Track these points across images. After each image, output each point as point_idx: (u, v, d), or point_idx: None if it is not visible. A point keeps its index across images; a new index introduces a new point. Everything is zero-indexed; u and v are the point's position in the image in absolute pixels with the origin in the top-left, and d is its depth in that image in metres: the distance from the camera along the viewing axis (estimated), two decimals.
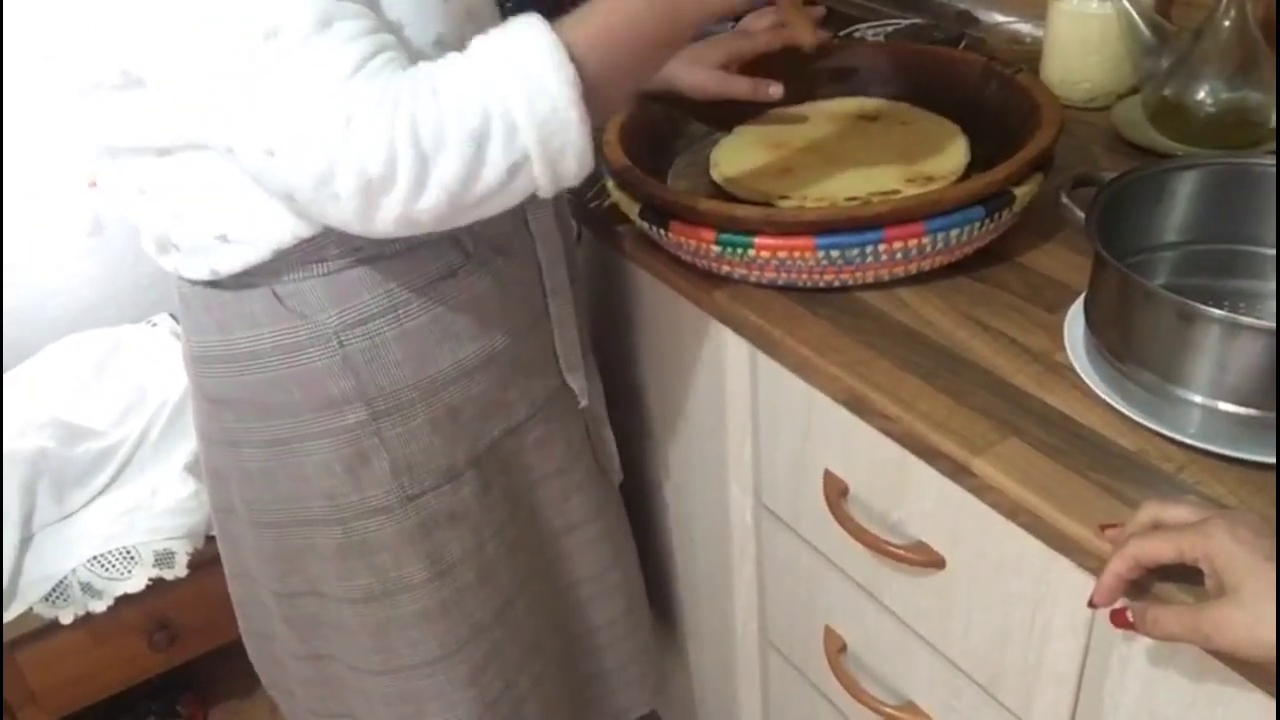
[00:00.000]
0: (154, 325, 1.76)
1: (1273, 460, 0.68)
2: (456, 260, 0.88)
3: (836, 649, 1.04)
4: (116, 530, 1.47)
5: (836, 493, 0.93)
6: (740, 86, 1.06)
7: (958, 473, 0.75)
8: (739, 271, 0.92)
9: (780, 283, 0.92)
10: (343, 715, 1.07)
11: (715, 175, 1.04)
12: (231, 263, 0.82)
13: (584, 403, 1.05)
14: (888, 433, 0.81)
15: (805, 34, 1.00)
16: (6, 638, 1.42)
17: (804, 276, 0.90)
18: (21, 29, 0.78)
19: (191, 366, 0.92)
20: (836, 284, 0.91)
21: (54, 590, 1.43)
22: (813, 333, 0.88)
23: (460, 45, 0.77)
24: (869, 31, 1.39)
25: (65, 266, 1.77)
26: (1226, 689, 0.65)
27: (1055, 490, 0.70)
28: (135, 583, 1.45)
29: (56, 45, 0.76)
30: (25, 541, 1.46)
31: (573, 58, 0.71)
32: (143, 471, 1.55)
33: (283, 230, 0.80)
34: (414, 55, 0.74)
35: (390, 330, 0.86)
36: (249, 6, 0.66)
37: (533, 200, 0.79)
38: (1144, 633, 0.62)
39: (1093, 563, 0.67)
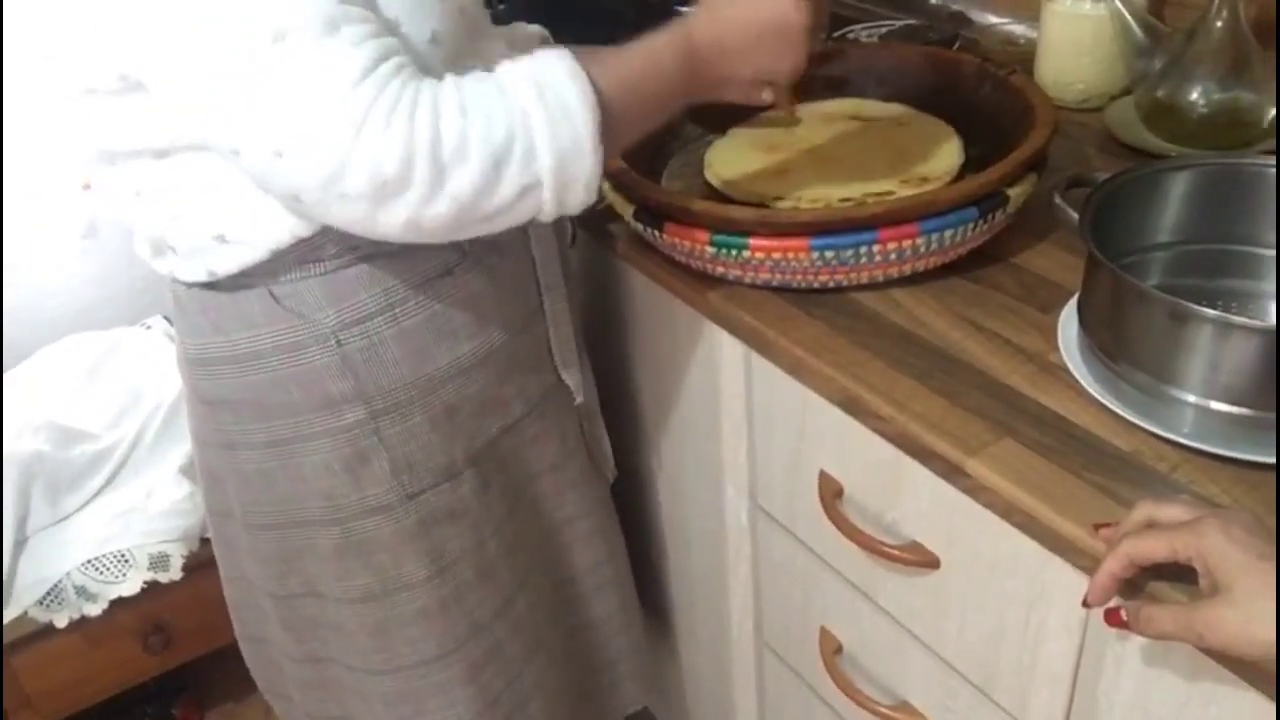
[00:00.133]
0: (149, 328, 1.76)
1: (1265, 459, 0.68)
2: (453, 259, 0.88)
3: (832, 650, 1.04)
4: (111, 533, 1.47)
5: (831, 493, 0.93)
6: None
7: (952, 473, 0.76)
8: (733, 272, 0.92)
9: (775, 284, 0.92)
10: (341, 717, 1.07)
11: (710, 176, 1.04)
12: (229, 263, 0.83)
13: (579, 399, 1.05)
14: (882, 433, 0.81)
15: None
16: (2, 642, 1.41)
17: (798, 277, 0.90)
18: (20, 29, 0.78)
19: (187, 369, 0.92)
20: (831, 285, 0.91)
21: (49, 594, 1.42)
22: (807, 334, 0.88)
23: (453, 43, 0.79)
24: (863, 33, 1.39)
25: (60, 269, 1.77)
26: (1220, 687, 0.65)
27: (1049, 490, 0.70)
28: (130, 586, 1.45)
29: (54, 47, 0.76)
30: (20, 545, 1.46)
31: (598, 96, 0.74)
32: (137, 474, 1.54)
33: (281, 230, 0.80)
34: (411, 53, 0.74)
35: (388, 329, 0.86)
36: (257, 9, 0.67)
37: None
38: (1138, 632, 0.62)
39: (1087, 562, 0.67)
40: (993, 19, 1.40)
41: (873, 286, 0.92)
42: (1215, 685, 0.65)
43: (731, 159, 1.05)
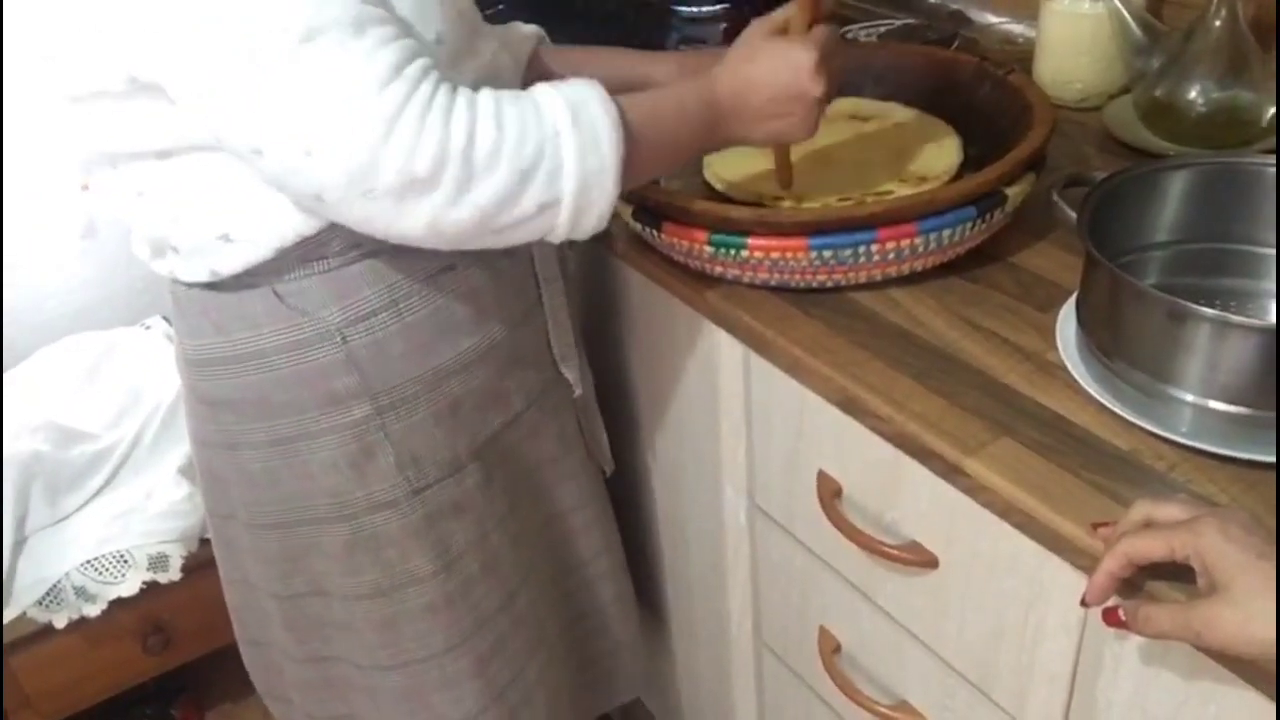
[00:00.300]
0: (148, 328, 1.76)
1: (1264, 458, 0.68)
2: (455, 254, 0.88)
3: (831, 649, 1.04)
4: (110, 534, 1.47)
5: (830, 493, 0.93)
6: None
7: (951, 473, 0.75)
8: (732, 272, 0.92)
9: (773, 283, 0.92)
10: (344, 717, 1.07)
11: (708, 176, 1.04)
12: (233, 263, 0.83)
13: (579, 391, 1.06)
14: (881, 433, 0.81)
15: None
16: (1, 642, 1.41)
17: (797, 277, 0.90)
18: (19, 29, 0.78)
19: (187, 370, 0.92)
20: (829, 284, 0.91)
21: (48, 594, 1.42)
22: (805, 333, 0.88)
23: (454, 44, 0.79)
24: (862, 32, 1.39)
25: (59, 270, 1.77)
26: (1219, 686, 0.65)
27: (1048, 489, 0.70)
28: (129, 586, 1.45)
29: (55, 49, 0.76)
30: (19, 545, 1.46)
31: (626, 129, 0.77)
32: (137, 474, 1.54)
33: (285, 229, 0.81)
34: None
35: (392, 325, 0.87)
36: (286, 10, 0.68)
37: None
38: (1136, 631, 0.62)
39: (1085, 561, 0.67)
40: (991, 18, 1.40)
41: (871, 286, 0.92)
42: (1214, 684, 0.65)
43: (730, 158, 1.05)
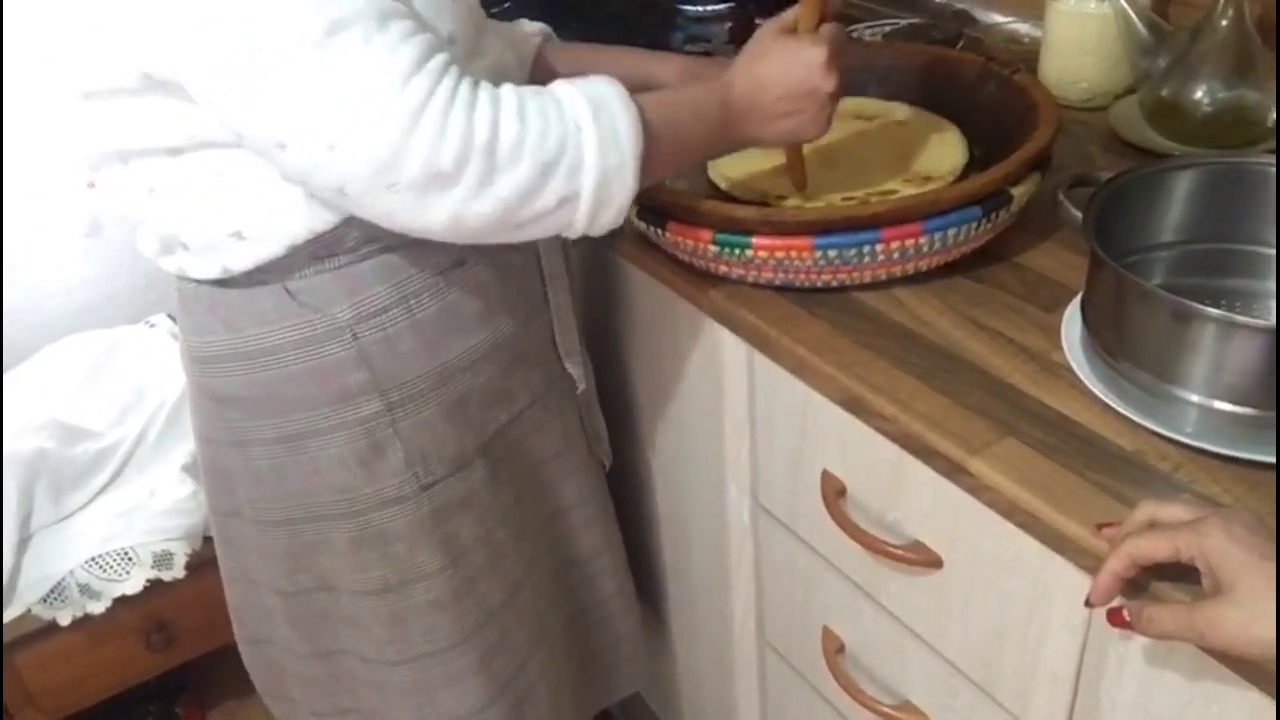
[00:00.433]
0: (152, 326, 1.76)
1: (1268, 459, 0.68)
2: (465, 249, 0.88)
3: (834, 649, 1.04)
4: (114, 531, 1.47)
5: (834, 493, 0.93)
6: None
7: (955, 472, 0.75)
8: (736, 271, 0.92)
9: (777, 283, 0.92)
10: (350, 711, 1.07)
11: (712, 175, 1.04)
12: (244, 260, 0.83)
13: (582, 387, 1.07)
14: (885, 433, 0.81)
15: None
16: (5, 639, 1.41)
17: (801, 276, 0.90)
18: (20, 29, 0.78)
19: (193, 366, 0.92)
20: (834, 284, 0.91)
21: (52, 592, 1.42)
22: (810, 333, 0.88)
23: (466, 42, 0.80)
24: (867, 31, 1.39)
25: (63, 267, 1.77)
26: (1223, 687, 0.65)
27: (1052, 489, 0.70)
28: (133, 584, 1.45)
29: (62, 49, 0.76)
30: (23, 543, 1.46)
31: (646, 126, 0.78)
32: (141, 472, 1.54)
33: (298, 226, 0.81)
34: None
35: (403, 321, 0.87)
36: (310, 4, 0.68)
37: None
38: (1140, 631, 0.62)
39: (1089, 562, 0.67)
40: (997, 18, 1.40)
41: (875, 286, 0.91)
42: (1218, 685, 0.65)
43: (734, 158, 1.05)
